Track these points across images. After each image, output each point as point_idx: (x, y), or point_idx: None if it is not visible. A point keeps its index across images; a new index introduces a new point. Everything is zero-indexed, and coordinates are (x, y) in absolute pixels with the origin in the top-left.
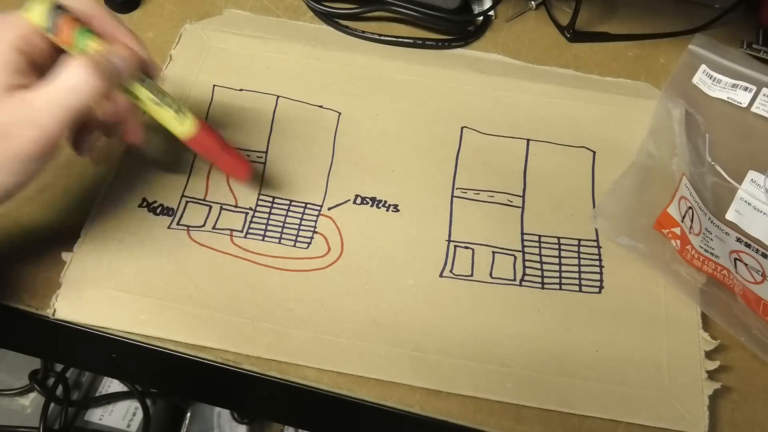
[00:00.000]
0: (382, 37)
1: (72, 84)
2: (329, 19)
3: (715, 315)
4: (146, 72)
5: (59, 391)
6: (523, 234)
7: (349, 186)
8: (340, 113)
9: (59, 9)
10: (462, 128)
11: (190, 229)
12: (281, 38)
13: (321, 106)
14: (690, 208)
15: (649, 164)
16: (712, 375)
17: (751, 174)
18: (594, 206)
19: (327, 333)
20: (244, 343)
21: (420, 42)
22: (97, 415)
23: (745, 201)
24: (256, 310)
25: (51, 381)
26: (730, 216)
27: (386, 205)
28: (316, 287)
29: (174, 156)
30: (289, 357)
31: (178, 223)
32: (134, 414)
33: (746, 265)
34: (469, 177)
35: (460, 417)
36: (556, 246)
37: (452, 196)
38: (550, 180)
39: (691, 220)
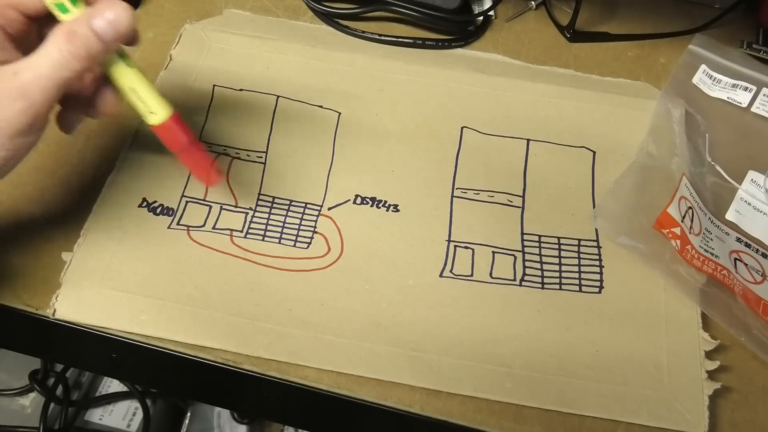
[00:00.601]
0: (382, 37)
1: (56, 57)
2: (329, 19)
3: (715, 315)
4: (128, 38)
5: (59, 391)
6: (523, 234)
7: (349, 186)
8: (340, 113)
9: None
10: (462, 128)
11: (190, 229)
12: (281, 38)
13: (321, 106)
14: (690, 208)
15: (649, 164)
16: (712, 375)
17: (751, 174)
18: (594, 206)
19: (327, 333)
20: (244, 343)
21: (420, 42)
22: (97, 415)
23: (745, 201)
24: (256, 310)
25: (51, 381)
26: (730, 216)
27: (386, 205)
28: (316, 287)
29: (173, 156)
30: (289, 357)
31: (178, 223)
32: (134, 414)
33: (746, 265)
34: (469, 177)
35: (460, 417)
36: (556, 246)
37: (452, 196)
38: (550, 180)
39: (691, 220)
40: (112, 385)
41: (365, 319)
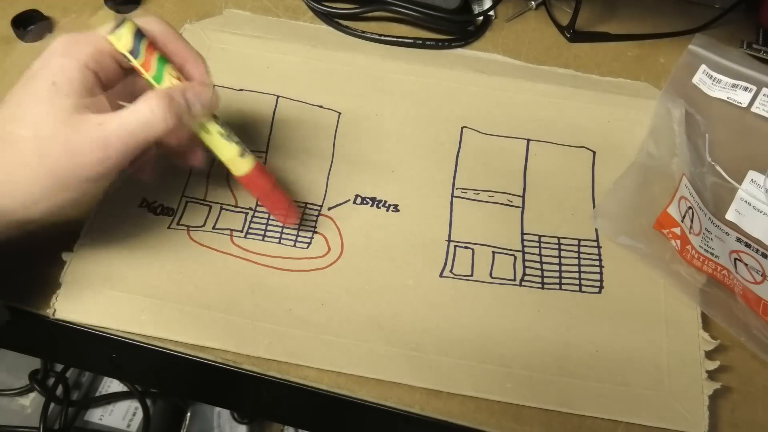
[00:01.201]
0: (382, 37)
1: (146, 116)
2: (329, 19)
3: (715, 315)
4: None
5: (59, 391)
6: (523, 234)
7: (349, 186)
8: (340, 113)
9: (141, 33)
10: (462, 128)
11: (190, 229)
12: (281, 38)
13: (321, 106)
14: (690, 208)
15: (649, 164)
16: (712, 375)
17: (751, 174)
18: (594, 206)
19: (327, 333)
20: (244, 343)
21: (420, 42)
22: (97, 415)
23: (745, 201)
24: (256, 310)
25: (51, 381)
26: (730, 216)
27: (386, 205)
28: (316, 287)
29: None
30: (289, 357)
31: (178, 223)
32: (134, 414)
33: (746, 265)
34: (469, 177)
35: (460, 417)
36: (556, 246)
37: (452, 196)
38: (550, 180)
39: (691, 220)
40: (112, 385)
41: (365, 319)
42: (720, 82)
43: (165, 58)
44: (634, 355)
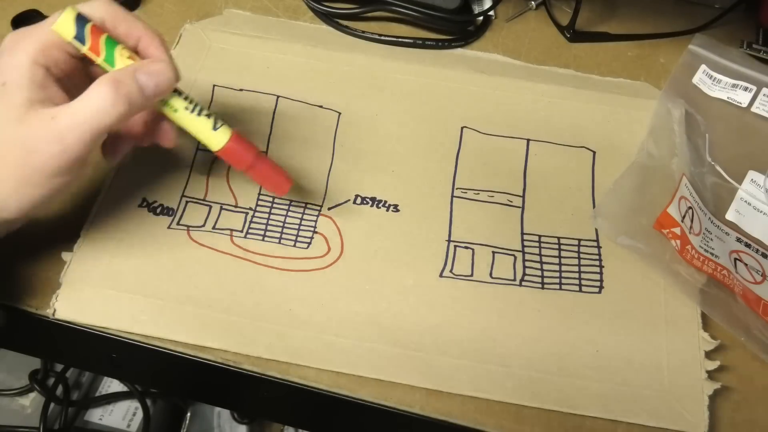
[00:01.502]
0: (382, 37)
1: (96, 104)
2: (329, 19)
3: (715, 315)
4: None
5: (59, 391)
6: (523, 234)
7: (349, 186)
8: (340, 113)
9: (84, 18)
10: (462, 128)
11: (190, 229)
12: (281, 38)
13: (321, 106)
14: (690, 208)
15: (649, 164)
16: (712, 375)
17: (751, 174)
18: (594, 206)
19: (327, 333)
20: (244, 343)
21: (420, 42)
22: (97, 415)
23: (745, 201)
24: (256, 310)
25: (51, 381)
26: (730, 216)
27: (386, 205)
28: (316, 287)
29: (174, 155)
30: (289, 357)
31: (178, 223)
32: (134, 414)
33: (746, 265)
34: (469, 177)
35: (460, 417)
36: (556, 246)
37: (452, 196)
38: (550, 180)
39: (691, 220)
40: (112, 385)
41: (365, 319)
42: (720, 82)
43: (114, 40)
44: (634, 355)
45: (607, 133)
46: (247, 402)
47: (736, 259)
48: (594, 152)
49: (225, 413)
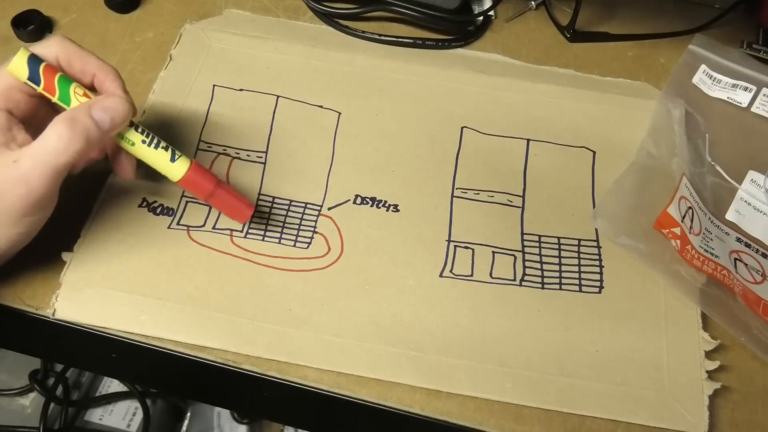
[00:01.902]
0: (382, 37)
1: (54, 144)
2: (329, 19)
3: (715, 315)
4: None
5: (59, 391)
6: (523, 234)
7: (349, 186)
8: (340, 113)
9: (37, 59)
10: (462, 128)
11: (190, 229)
12: (281, 38)
13: (321, 106)
14: (690, 208)
15: (649, 164)
16: (712, 375)
17: (751, 174)
18: (594, 206)
19: (327, 333)
20: (244, 343)
21: (420, 42)
22: (97, 415)
23: (745, 201)
24: (256, 310)
25: (51, 381)
26: (730, 216)
27: (386, 204)
28: (316, 287)
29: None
30: (289, 357)
31: (178, 223)
32: (134, 414)
33: (746, 265)
34: (469, 177)
35: (460, 417)
36: (556, 246)
37: (452, 196)
38: (550, 180)
39: (691, 220)
40: (112, 385)
41: (365, 319)
42: (720, 82)
43: (68, 78)
44: (634, 355)
45: (607, 133)
46: (247, 402)
47: (736, 259)
48: (594, 152)
49: (225, 413)
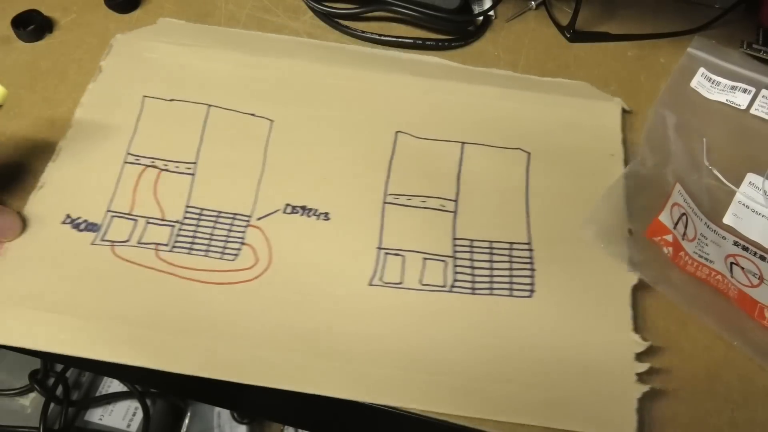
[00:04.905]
0: (382, 37)
1: None
2: (329, 19)
3: (708, 320)
4: None
5: (59, 391)
6: (454, 239)
7: (279, 195)
8: (272, 121)
9: None
10: (396, 133)
11: (115, 244)
12: (215, 46)
13: (253, 115)
14: (684, 214)
15: (643, 172)
16: (642, 378)
17: (750, 176)
18: (528, 208)
19: (253, 347)
20: (168, 360)
21: (420, 42)
22: (97, 415)
23: (743, 204)
24: (180, 326)
25: (51, 381)
26: (727, 220)
27: (317, 213)
28: (244, 300)
29: (100, 170)
30: (215, 373)
31: (102, 239)
32: (134, 414)
33: (743, 268)
34: (402, 182)
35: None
36: (488, 250)
37: (384, 203)
38: (484, 183)
39: (685, 227)
40: (112, 385)
41: (292, 331)
42: (719, 85)
43: None
44: (564, 359)
45: (543, 133)
46: (247, 402)
47: (732, 264)
48: (529, 153)
49: (225, 413)
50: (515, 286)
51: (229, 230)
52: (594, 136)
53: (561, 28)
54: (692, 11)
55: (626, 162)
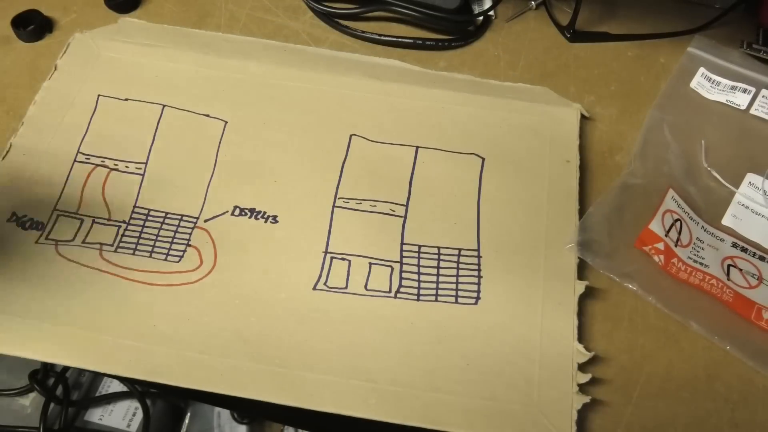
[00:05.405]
0: (382, 37)
1: None
2: (329, 19)
3: (701, 326)
4: None
5: (59, 391)
6: (402, 244)
7: (228, 197)
8: (226, 122)
9: None
10: (351, 136)
11: (59, 243)
12: (173, 46)
13: (208, 115)
14: (677, 220)
15: (633, 183)
16: (584, 389)
17: (749, 177)
18: (479, 214)
19: (190, 349)
20: (102, 360)
21: (420, 42)
22: (97, 415)
23: (743, 204)
24: (118, 327)
25: (51, 381)
26: (726, 221)
27: (265, 216)
28: (184, 302)
29: (49, 168)
30: (147, 375)
31: (46, 238)
32: (134, 414)
33: (741, 270)
34: (353, 186)
35: None
36: (436, 256)
37: (333, 206)
38: (436, 188)
39: (679, 233)
40: (112, 385)
41: (231, 335)
42: (719, 85)
43: None
44: (505, 369)
45: (499, 138)
46: (247, 402)
47: (729, 266)
48: (483, 159)
49: (225, 413)
50: (461, 293)
51: (176, 231)
52: (551, 143)
53: (561, 28)
54: (692, 11)
55: (581, 168)
